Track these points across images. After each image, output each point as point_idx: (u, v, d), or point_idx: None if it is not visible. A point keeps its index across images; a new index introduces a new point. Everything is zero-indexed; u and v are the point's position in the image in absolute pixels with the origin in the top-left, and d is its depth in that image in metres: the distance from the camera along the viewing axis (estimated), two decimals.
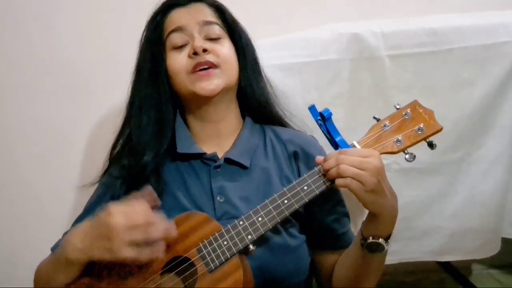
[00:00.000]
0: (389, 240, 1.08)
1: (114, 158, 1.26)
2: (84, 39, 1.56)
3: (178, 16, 1.22)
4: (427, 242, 1.55)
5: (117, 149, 1.27)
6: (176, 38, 1.20)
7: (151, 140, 1.20)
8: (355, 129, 1.41)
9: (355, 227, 1.32)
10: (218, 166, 1.19)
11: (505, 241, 1.57)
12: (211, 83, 1.17)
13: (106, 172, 1.26)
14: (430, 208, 1.53)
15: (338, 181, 1.02)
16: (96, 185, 1.27)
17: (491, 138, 1.50)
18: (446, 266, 1.70)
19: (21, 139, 1.59)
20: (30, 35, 1.56)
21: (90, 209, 1.21)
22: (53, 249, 1.19)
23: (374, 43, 1.46)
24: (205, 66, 1.17)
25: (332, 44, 1.47)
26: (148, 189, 1.05)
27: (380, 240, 1.06)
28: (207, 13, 1.23)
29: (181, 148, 1.20)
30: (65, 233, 1.20)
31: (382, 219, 1.05)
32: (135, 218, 0.96)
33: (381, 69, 1.47)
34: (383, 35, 1.46)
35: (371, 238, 1.07)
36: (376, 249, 1.07)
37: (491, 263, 1.61)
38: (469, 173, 1.52)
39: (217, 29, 1.22)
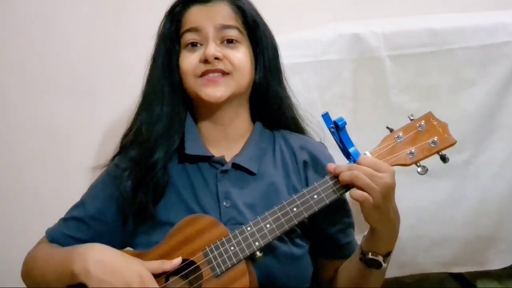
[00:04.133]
0: (388, 258, 1.08)
1: (124, 147, 1.23)
2: (86, 39, 1.56)
3: (196, 15, 1.17)
4: (438, 253, 1.53)
5: (128, 138, 1.23)
6: (190, 38, 1.17)
7: (162, 136, 1.17)
8: (355, 129, 1.40)
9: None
10: (225, 171, 1.16)
11: None
12: (218, 90, 1.14)
13: (114, 158, 1.24)
14: (438, 214, 1.51)
15: (354, 193, 1.00)
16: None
17: (498, 140, 1.48)
18: None
19: (22, 139, 1.59)
20: (31, 35, 1.55)
21: (93, 196, 1.20)
22: (48, 232, 1.19)
23: (375, 43, 1.46)
24: (215, 74, 1.14)
25: (333, 45, 1.47)
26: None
27: (379, 257, 1.06)
28: (226, 15, 1.17)
29: (189, 150, 1.18)
30: (62, 219, 1.21)
31: (380, 236, 1.05)
32: None
33: (381, 69, 1.47)
34: (384, 35, 1.45)
35: (370, 254, 1.07)
36: (374, 265, 1.07)
37: None
38: (478, 177, 1.50)
39: (234, 33, 1.17)
